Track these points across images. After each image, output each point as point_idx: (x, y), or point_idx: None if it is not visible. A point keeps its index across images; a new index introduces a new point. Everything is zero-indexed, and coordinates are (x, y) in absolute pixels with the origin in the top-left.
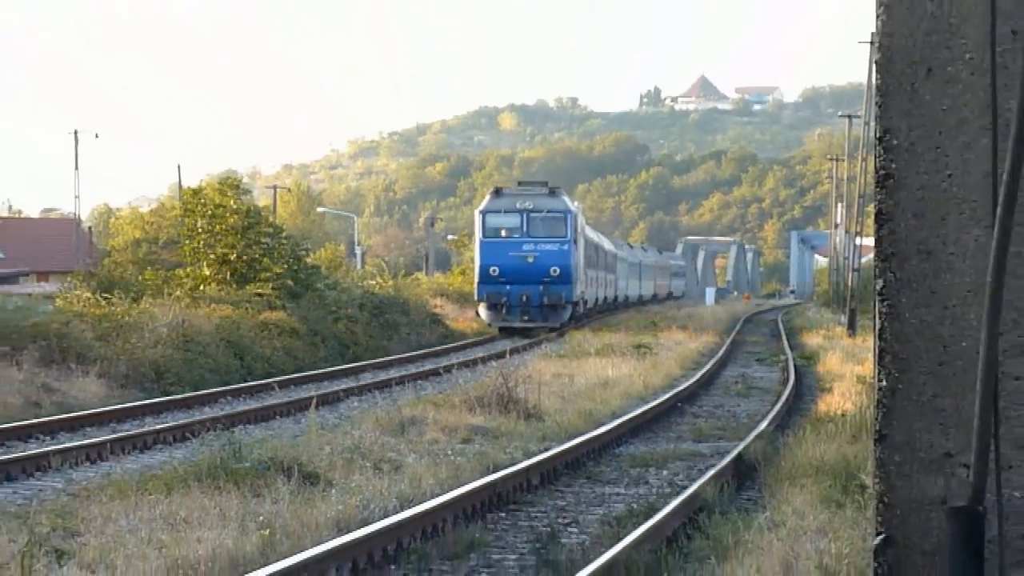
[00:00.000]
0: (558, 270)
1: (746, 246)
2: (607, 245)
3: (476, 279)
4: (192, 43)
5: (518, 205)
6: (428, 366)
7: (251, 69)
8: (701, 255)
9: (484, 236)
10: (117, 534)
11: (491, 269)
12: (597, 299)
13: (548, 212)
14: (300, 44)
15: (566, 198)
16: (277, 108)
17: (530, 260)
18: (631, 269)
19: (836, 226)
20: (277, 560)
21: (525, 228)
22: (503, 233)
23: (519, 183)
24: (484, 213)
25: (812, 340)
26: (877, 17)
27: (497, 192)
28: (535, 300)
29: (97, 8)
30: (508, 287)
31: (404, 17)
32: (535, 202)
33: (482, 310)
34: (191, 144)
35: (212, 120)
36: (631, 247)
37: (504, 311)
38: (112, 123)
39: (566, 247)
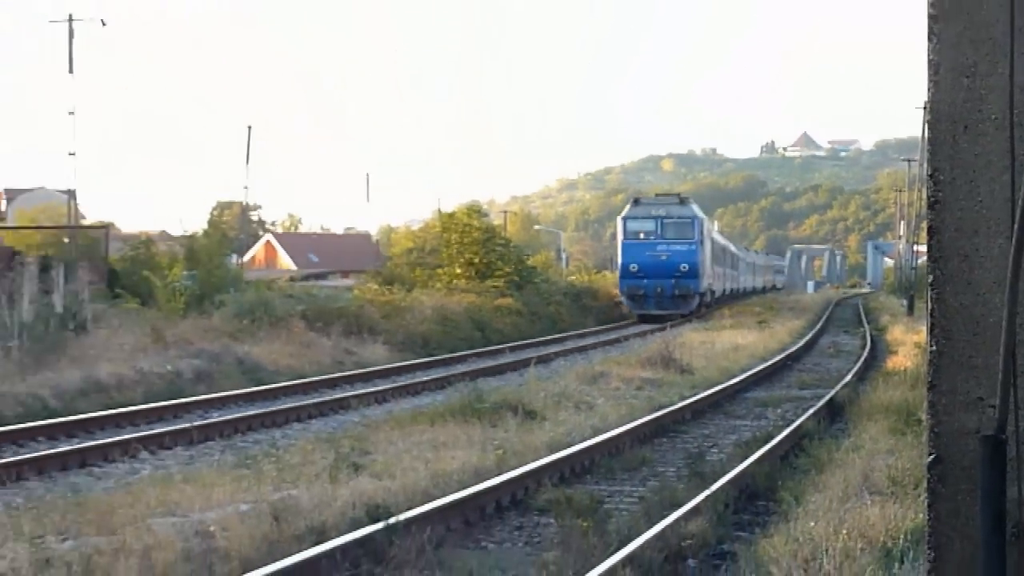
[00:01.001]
0: (687, 266)
1: (835, 251)
2: (732, 248)
3: (619, 274)
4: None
5: (653, 212)
6: (612, 336)
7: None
8: (804, 258)
9: (625, 238)
10: (396, 453)
11: (631, 266)
12: (724, 289)
13: (678, 218)
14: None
15: (694, 206)
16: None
17: (664, 258)
18: (748, 267)
19: (900, 237)
20: (508, 471)
21: (659, 231)
22: (641, 236)
23: (656, 195)
24: (625, 219)
25: (883, 318)
26: (928, 90)
27: (636, 201)
28: (668, 291)
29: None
30: (645, 281)
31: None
32: (668, 209)
33: (624, 300)
34: (445, 178)
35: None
36: (747, 250)
37: (642, 301)
38: (392, 160)
39: (694, 247)
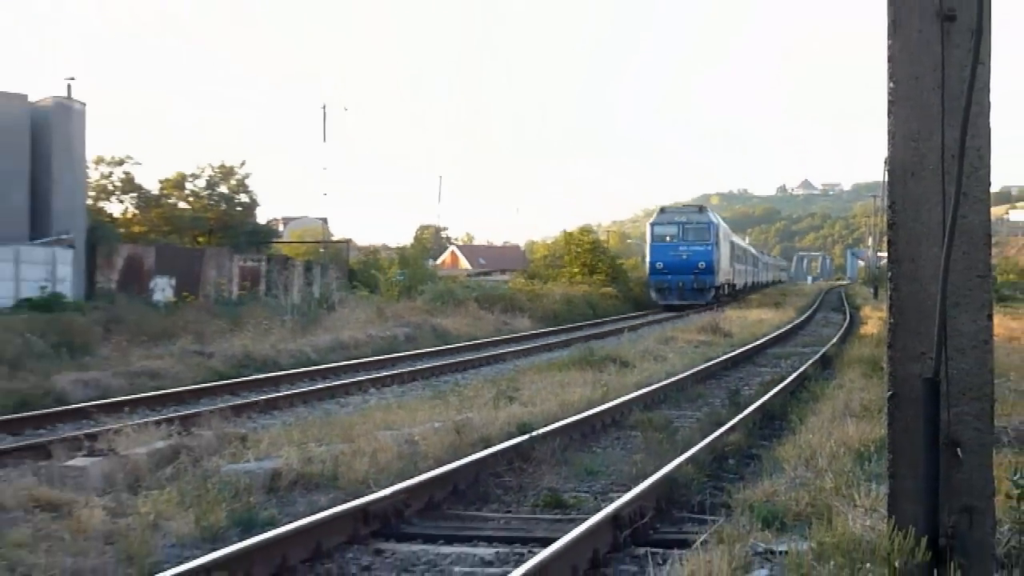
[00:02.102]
0: (704, 264)
1: (826, 256)
2: (754, 252)
3: (647, 272)
4: None
5: (676, 219)
6: (677, 314)
7: None
8: (805, 260)
9: (652, 241)
10: (536, 389)
11: (657, 264)
12: (746, 283)
13: (697, 223)
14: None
15: (711, 214)
16: None
17: (684, 257)
18: (764, 266)
19: (869, 247)
20: (610, 401)
21: (681, 235)
22: (666, 239)
23: (684, 205)
24: (653, 225)
25: (858, 301)
26: (888, 148)
27: (662, 210)
28: (688, 285)
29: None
30: (669, 276)
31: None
32: (688, 216)
33: (652, 293)
34: (568, 203)
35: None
36: (764, 254)
37: (667, 293)
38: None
39: (709, 248)
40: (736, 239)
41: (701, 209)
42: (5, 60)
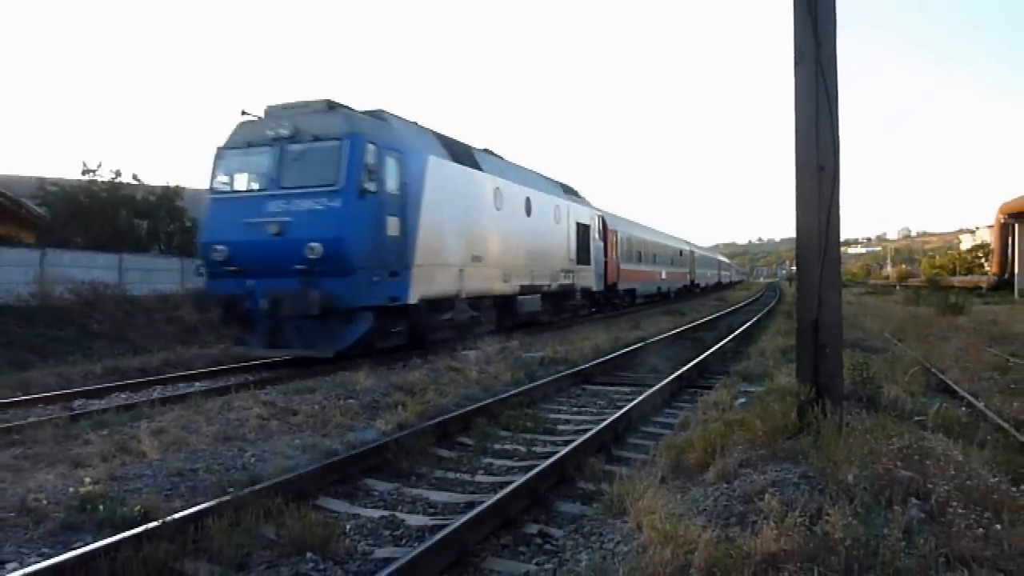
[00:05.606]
0: (321, 246)
1: (768, 268)
2: (719, 258)
3: (202, 269)
4: None
5: (270, 133)
6: (710, 295)
7: None
8: (757, 270)
9: (213, 192)
10: (648, 324)
11: (216, 250)
12: (698, 283)
13: (317, 139)
14: None
15: (360, 121)
16: None
17: (274, 231)
18: (736, 272)
19: (789, 263)
20: (681, 328)
21: (277, 169)
22: (252, 186)
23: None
24: (219, 154)
25: (783, 287)
26: (796, 222)
27: (245, 113)
28: (287, 306)
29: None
30: (249, 283)
31: None
32: (296, 123)
33: (219, 319)
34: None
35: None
36: (731, 264)
37: (242, 327)
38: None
39: (346, 200)
40: (695, 248)
41: (331, 106)
42: None
